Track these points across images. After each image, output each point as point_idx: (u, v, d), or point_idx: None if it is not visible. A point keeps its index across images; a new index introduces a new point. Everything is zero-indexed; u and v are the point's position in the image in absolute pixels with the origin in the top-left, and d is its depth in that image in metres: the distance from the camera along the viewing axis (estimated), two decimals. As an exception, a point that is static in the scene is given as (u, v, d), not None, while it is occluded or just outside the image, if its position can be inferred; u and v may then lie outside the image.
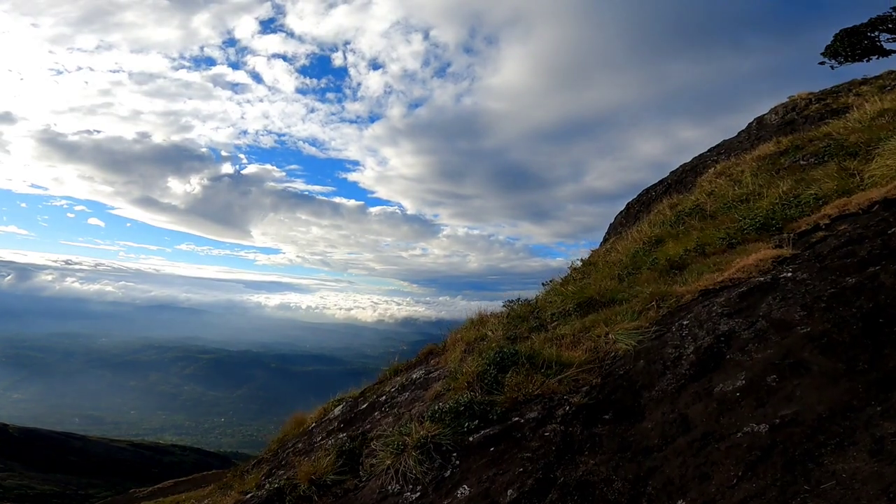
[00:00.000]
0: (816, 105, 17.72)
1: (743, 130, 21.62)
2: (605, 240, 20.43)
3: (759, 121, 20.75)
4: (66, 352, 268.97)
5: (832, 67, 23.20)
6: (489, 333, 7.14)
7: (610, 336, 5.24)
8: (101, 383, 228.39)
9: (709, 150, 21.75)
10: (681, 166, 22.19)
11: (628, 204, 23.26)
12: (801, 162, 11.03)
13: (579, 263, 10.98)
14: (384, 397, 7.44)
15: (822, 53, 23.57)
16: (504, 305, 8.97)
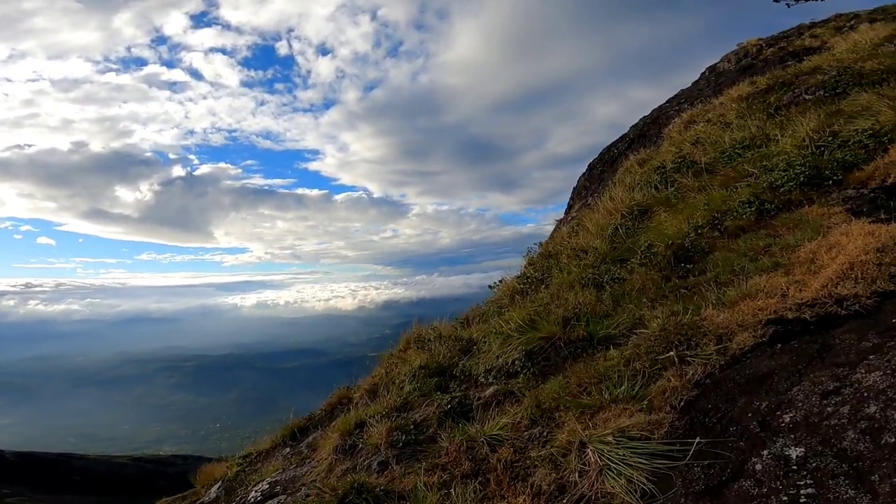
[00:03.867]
0: (771, 49, 17.04)
1: (699, 80, 20.51)
2: (570, 206, 19.02)
3: (713, 69, 19.75)
4: (44, 375, 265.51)
5: (788, 5, 22.57)
6: (370, 425, 4.28)
7: (589, 454, 2.46)
8: (87, 402, 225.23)
9: (668, 102, 20.13)
10: (641, 120, 20.56)
11: (590, 164, 21.62)
12: (806, 96, 8.54)
13: (536, 252, 8.14)
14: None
15: None
16: (432, 329, 6.23)
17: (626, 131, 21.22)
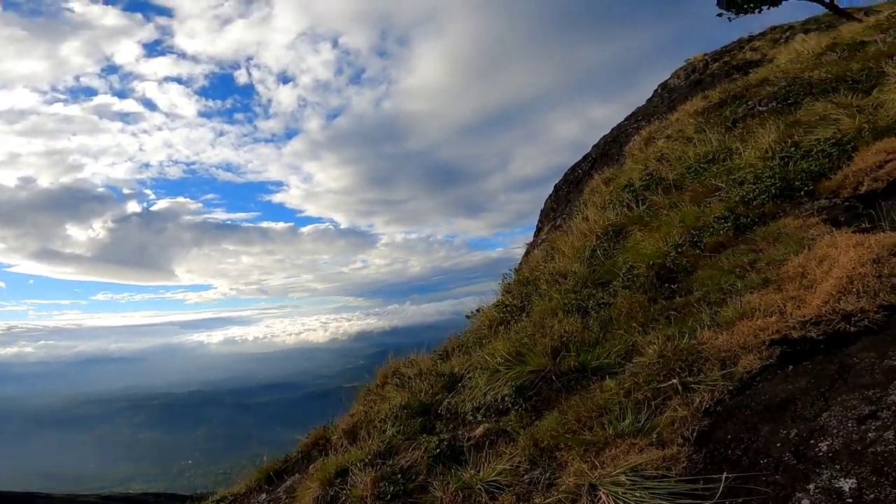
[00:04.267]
0: (717, 64, 17.86)
1: (652, 97, 21.33)
2: (538, 229, 19.28)
3: (664, 86, 20.58)
4: (1, 416, 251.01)
5: (730, 19, 23.88)
6: (353, 473, 4.00)
7: (602, 498, 2.29)
8: (48, 443, 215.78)
9: (626, 119, 20.94)
10: (602, 139, 21.20)
11: (556, 186, 22.00)
12: (760, 108, 8.83)
13: (513, 279, 7.97)
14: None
15: (718, 5, 23.87)
16: (410, 362, 5.98)
17: (588, 151, 21.67)
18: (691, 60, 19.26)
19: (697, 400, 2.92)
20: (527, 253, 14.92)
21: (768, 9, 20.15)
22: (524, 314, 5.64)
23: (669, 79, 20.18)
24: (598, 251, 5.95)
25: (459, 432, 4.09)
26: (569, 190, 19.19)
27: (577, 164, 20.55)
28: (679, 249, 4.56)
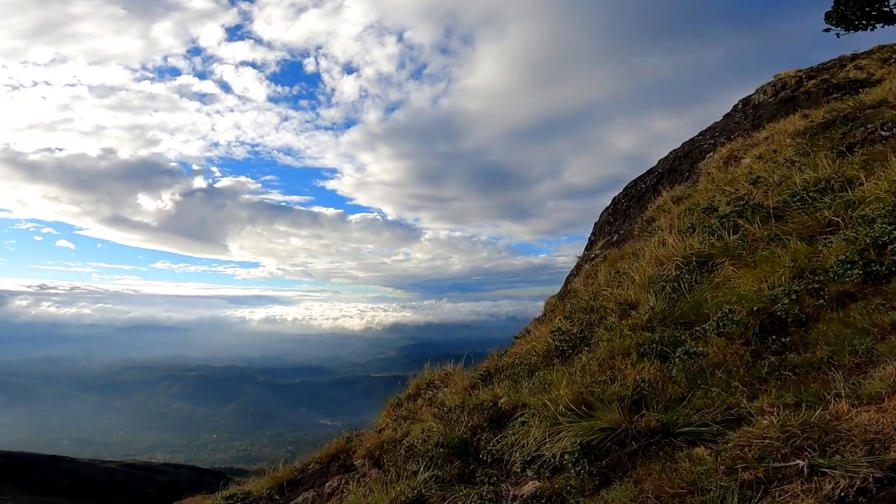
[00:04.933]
0: (813, 81, 16.52)
1: (734, 112, 19.85)
2: (592, 242, 18.36)
3: (746, 102, 19.30)
4: (47, 376, 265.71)
5: (838, 35, 22.24)
6: None
7: None
8: (86, 406, 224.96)
9: (700, 135, 19.69)
10: (671, 153, 20.01)
11: (615, 199, 20.88)
12: (883, 132, 7.69)
13: (576, 306, 7.04)
14: None
15: (827, 20, 22.44)
16: (445, 374, 5.24)
17: (651, 165, 20.48)
18: (781, 76, 17.88)
19: (829, 487, 2.24)
20: (578, 266, 14.05)
21: (882, 27, 18.81)
22: (586, 347, 4.86)
23: (753, 94, 18.95)
24: (682, 284, 5.09)
25: (504, 486, 3.39)
26: (628, 204, 18.25)
27: (641, 178, 19.62)
28: (793, 296, 3.70)
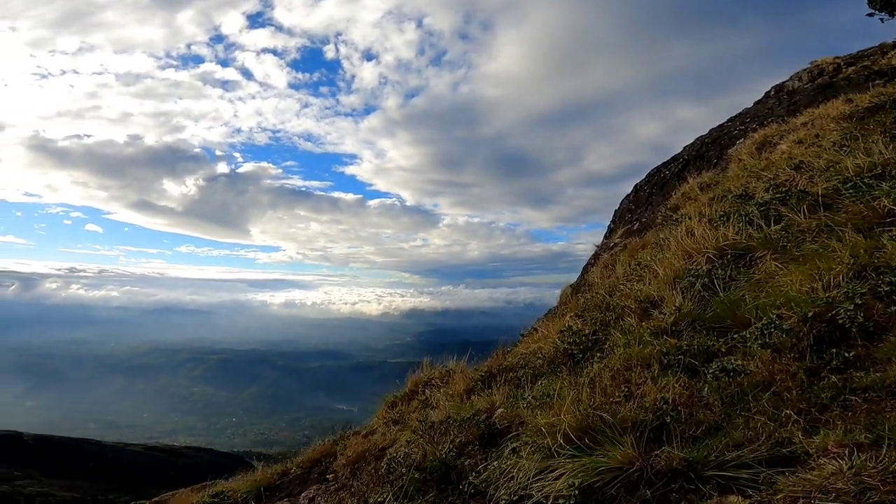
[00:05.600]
0: (852, 68, 15.65)
1: (768, 98, 18.97)
2: (611, 230, 17.66)
3: (780, 88, 18.39)
4: (75, 358, 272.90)
5: (882, 20, 21.24)
6: None
7: None
8: (112, 388, 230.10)
9: (729, 121, 18.78)
10: (698, 139, 19.14)
11: (636, 186, 20.04)
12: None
13: (582, 295, 6.27)
14: None
15: (871, 5, 21.46)
16: (446, 372, 4.58)
17: (675, 152, 19.78)
18: (818, 62, 17.31)
19: None
20: (595, 255, 13.35)
21: None
22: (598, 353, 4.13)
23: (787, 81, 18.32)
24: (714, 280, 4.30)
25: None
26: (651, 192, 17.60)
27: (664, 165, 18.96)
28: (858, 299, 2.92)
